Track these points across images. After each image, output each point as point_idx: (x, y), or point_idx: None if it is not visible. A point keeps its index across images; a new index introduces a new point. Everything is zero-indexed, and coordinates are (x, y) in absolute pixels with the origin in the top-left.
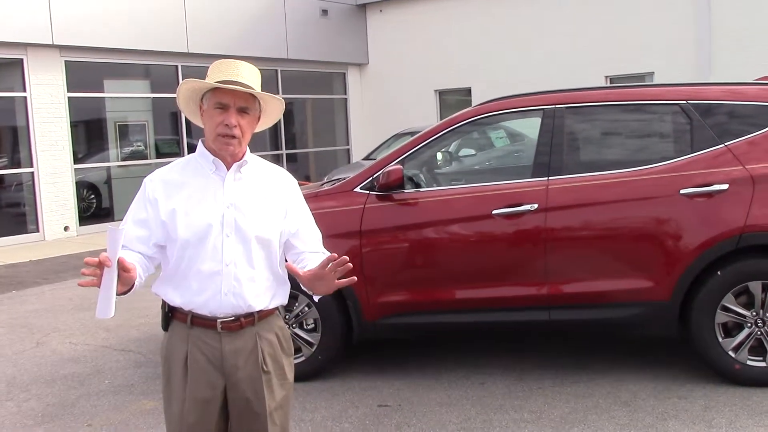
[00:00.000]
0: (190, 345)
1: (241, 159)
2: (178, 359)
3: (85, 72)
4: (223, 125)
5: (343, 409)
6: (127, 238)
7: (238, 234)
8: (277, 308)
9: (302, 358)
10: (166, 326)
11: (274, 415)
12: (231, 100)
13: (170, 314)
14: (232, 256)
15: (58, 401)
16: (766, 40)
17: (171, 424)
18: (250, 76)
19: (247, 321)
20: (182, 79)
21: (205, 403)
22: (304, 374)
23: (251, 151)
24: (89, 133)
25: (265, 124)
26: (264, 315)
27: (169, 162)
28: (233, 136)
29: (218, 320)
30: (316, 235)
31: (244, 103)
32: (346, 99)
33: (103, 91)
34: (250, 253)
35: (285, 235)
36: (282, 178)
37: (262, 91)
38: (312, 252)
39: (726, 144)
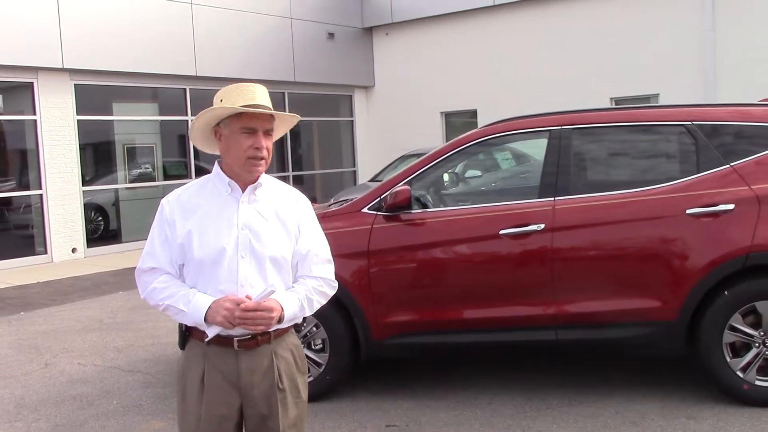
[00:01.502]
0: (207, 363)
1: (256, 180)
2: (194, 377)
3: (94, 95)
4: (254, 149)
5: (351, 430)
6: (155, 260)
7: (253, 255)
8: (292, 326)
9: (310, 379)
10: (183, 344)
11: (286, 430)
12: (258, 124)
13: (187, 333)
14: (246, 276)
15: (66, 422)
16: None
17: None
18: (266, 98)
19: (263, 339)
20: (190, 102)
21: (222, 420)
22: (312, 394)
23: None
24: (97, 156)
25: (275, 136)
26: (280, 333)
27: (176, 184)
28: (262, 158)
29: (235, 339)
30: (321, 259)
31: (269, 125)
32: (352, 121)
33: (111, 114)
34: (264, 273)
35: (297, 255)
36: (295, 199)
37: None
38: (306, 276)
39: (731, 164)
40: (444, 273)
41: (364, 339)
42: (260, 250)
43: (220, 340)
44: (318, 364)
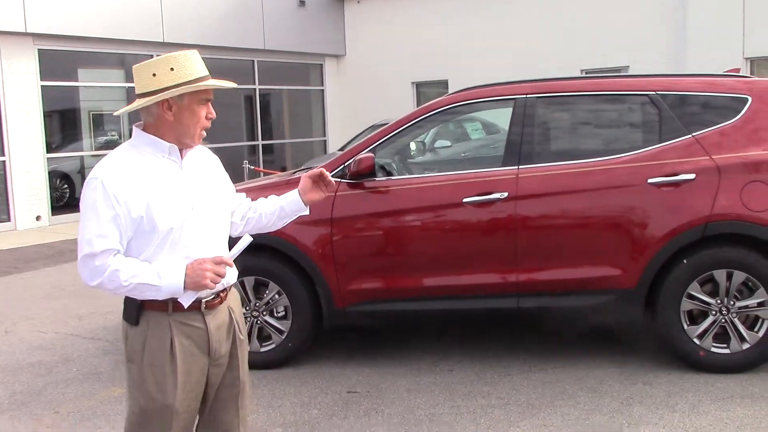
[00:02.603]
0: (175, 332)
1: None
2: (160, 349)
3: (59, 61)
4: (207, 119)
5: (313, 396)
6: (107, 240)
7: (208, 216)
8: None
9: (272, 346)
10: (136, 320)
11: (247, 385)
12: (211, 95)
13: (141, 306)
14: (207, 238)
15: (25, 389)
16: (738, 35)
17: (150, 418)
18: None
19: (223, 296)
20: None
21: (194, 389)
22: (274, 361)
23: (230, 141)
24: (63, 123)
25: None
26: (231, 287)
27: None
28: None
29: (203, 300)
30: (241, 197)
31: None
32: (323, 90)
33: (77, 80)
34: (219, 231)
35: (233, 207)
36: (212, 157)
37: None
38: (248, 200)
39: (694, 134)
40: (407, 241)
41: (326, 307)
42: (214, 209)
43: (189, 305)
44: (280, 332)
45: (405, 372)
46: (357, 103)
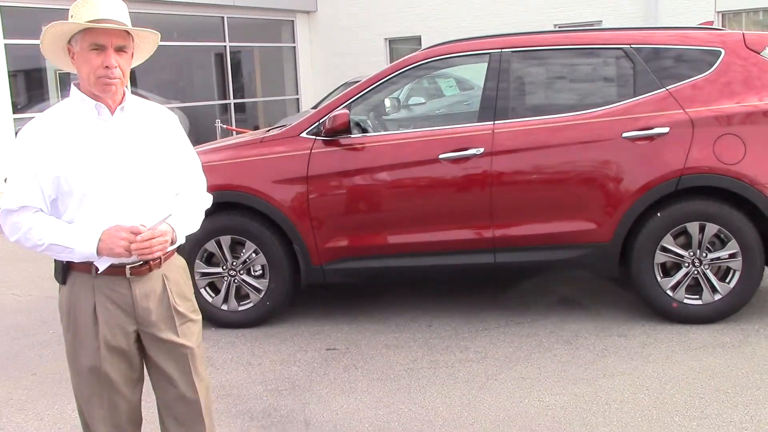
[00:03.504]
0: (98, 295)
1: (122, 101)
2: (84, 311)
3: (23, 18)
4: (103, 67)
5: (292, 353)
6: (25, 197)
7: (135, 179)
8: (177, 248)
9: (250, 305)
10: (64, 279)
11: (195, 351)
12: (107, 40)
13: (68, 266)
14: (132, 202)
15: (1, 351)
16: None
17: (81, 380)
18: (119, 12)
19: (155, 264)
20: None
21: (122, 354)
22: (252, 320)
23: (201, 100)
24: (29, 83)
25: (138, 60)
26: (168, 255)
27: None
28: (114, 77)
29: (127, 266)
30: (193, 177)
31: (121, 41)
32: (294, 47)
33: (39, 38)
34: (148, 196)
35: (174, 172)
36: (164, 117)
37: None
38: (185, 192)
39: (668, 88)
40: (383, 198)
41: (303, 265)
42: (142, 173)
43: (112, 270)
44: (258, 290)
45: (383, 328)
46: (329, 61)
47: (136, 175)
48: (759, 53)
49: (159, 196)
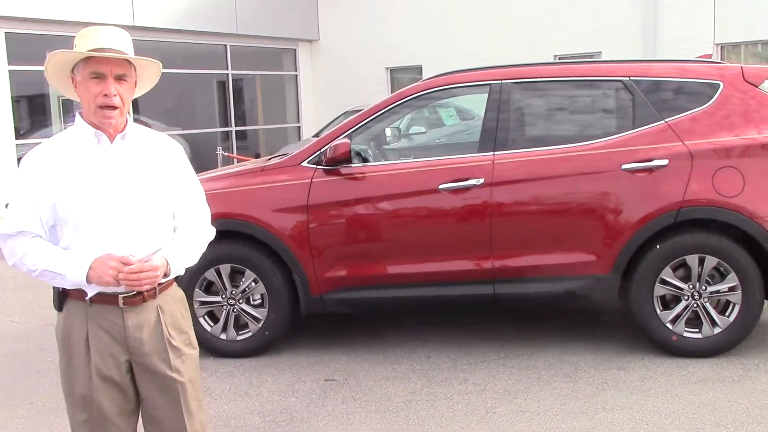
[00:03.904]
0: (91, 323)
1: (123, 129)
2: (78, 339)
3: (28, 44)
4: (102, 96)
5: (290, 384)
6: (23, 222)
7: (130, 207)
8: (175, 279)
9: (249, 334)
10: (60, 306)
11: (187, 386)
12: (107, 69)
13: (64, 293)
14: (126, 231)
15: None
16: (709, 21)
17: (75, 409)
18: (121, 41)
19: (149, 295)
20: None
21: (114, 384)
22: (251, 350)
23: (203, 127)
24: (32, 108)
25: (142, 89)
26: (164, 287)
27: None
28: (114, 107)
29: (120, 296)
30: (196, 209)
31: (121, 70)
32: (296, 75)
33: (44, 65)
34: (145, 226)
35: (175, 205)
36: (168, 147)
37: (136, 55)
38: (186, 225)
39: (667, 120)
40: (383, 227)
41: (303, 294)
42: (137, 202)
43: (104, 298)
44: (257, 320)
45: (382, 359)
46: (331, 89)
47: (130, 203)
48: (757, 86)
49: (154, 226)
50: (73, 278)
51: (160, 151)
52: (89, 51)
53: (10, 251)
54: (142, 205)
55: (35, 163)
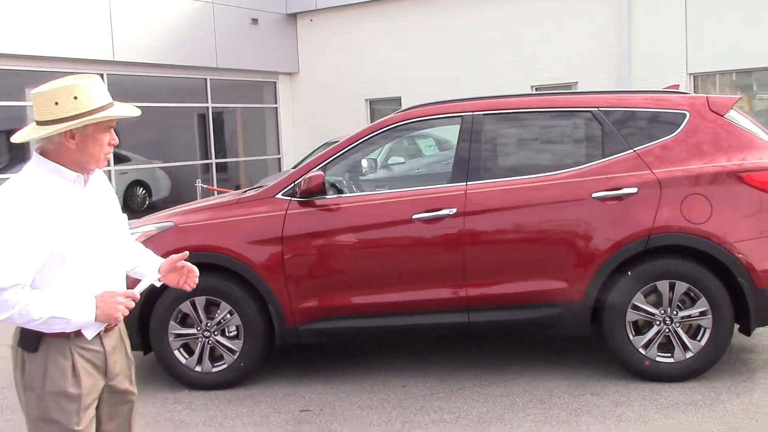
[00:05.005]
0: (76, 356)
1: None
2: (62, 375)
3: (6, 80)
4: (110, 146)
5: (265, 416)
6: (20, 274)
7: (111, 246)
8: None
9: (224, 366)
10: (35, 347)
11: (135, 402)
12: (114, 122)
13: (41, 333)
14: (109, 264)
15: None
16: (680, 51)
17: None
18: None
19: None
20: (108, 87)
21: (93, 408)
22: (226, 382)
23: (183, 160)
24: (11, 143)
25: None
26: None
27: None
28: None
29: (104, 325)
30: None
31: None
32: (276, 108)
33: (25, 100)
34: (118, 257)
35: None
36: (107, 182)
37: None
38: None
39: (635, 149)
40: (358, 258)
41: (278, 325)
42: (115, 238)
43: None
44: (232, 351)
45: (358, 389)
46: (311, 121)
47: (111, 240)
48: (722, 115)
49: (122, 257)
50: (80, 320)
51: (107, 188)
52: (110, 114)
53: (5, 305)
54: (116, 241)
55: (24, 210)
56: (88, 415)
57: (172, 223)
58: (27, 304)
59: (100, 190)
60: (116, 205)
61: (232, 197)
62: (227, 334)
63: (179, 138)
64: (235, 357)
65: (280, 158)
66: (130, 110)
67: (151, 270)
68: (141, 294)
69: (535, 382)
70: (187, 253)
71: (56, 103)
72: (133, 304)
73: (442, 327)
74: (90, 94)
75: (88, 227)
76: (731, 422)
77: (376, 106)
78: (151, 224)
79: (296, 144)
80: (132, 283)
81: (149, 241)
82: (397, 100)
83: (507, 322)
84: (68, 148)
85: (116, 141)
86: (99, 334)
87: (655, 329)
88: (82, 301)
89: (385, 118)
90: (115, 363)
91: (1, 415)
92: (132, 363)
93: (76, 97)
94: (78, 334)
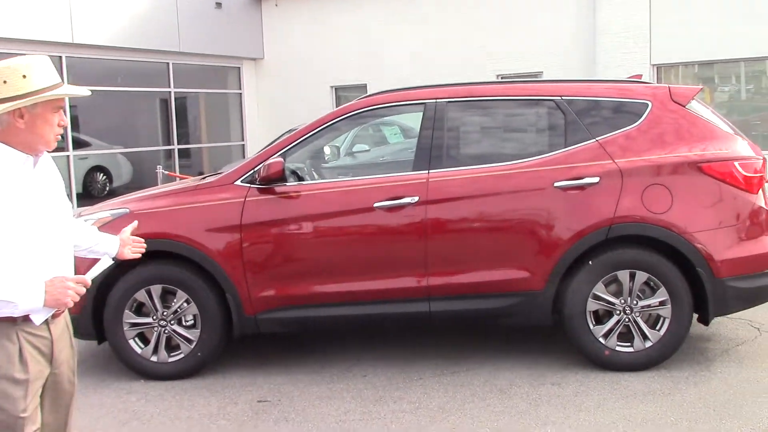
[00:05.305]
0: (23, 342)
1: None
2: (9, 361)
3: None
4: (60, 126)
5: (222, 406)
6: None
7: (60, 228)
8: None
9: (181, 356)
10: None
11: (75, 393)
12: (63, 102)
13: None
14: (57, 247)
15: None
16: (644, 42)
17: (16, 429)
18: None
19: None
20: (66, 70)
21: (38, 394)
22: (182, 372)
23: (145, 146)
24: None
25: None
26: None
27: (54, 157)
28: None
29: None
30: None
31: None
32: (240, 94)
33: None
34: (67, 240)
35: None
36: (53, 164)
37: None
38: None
39: (598, 139)
40: (318, 246)
41: (236, 314)
42: (64, 220)
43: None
44: (189, 341)
45: (317, 379)
46: (276, 107)
47: (59, 222)
48: (684, 106)
49: (71, 240)
50: (27, 305)
51: (53, 170)
52: (60, 92)
53: None
54: (65, 223)
55: None
56: (33, 403)
57: (128, 210)
58: None
59: (48, 173)
60: (62, 188)
61: (190, 184)
62: (184, 324)
63: (141, 123)
64: (192, 346)
65: (244, 145)
66: (80, 90)
67: (110, 247)
68: (93, 280)
69: (496, 372)
70: (136, 222)
71: (4, 82)
72: (83, 290)
73: (404, 316)
74: (39, 73)
75: (36, 209)
76: (688, 411)
77: (341, 93)
78: (106, 210)
79: (261, 130)
80: (89, 264)
81: (103, 228)
82: (363, 87)
83: (468, 312)
84: (17, 128)
85: (66, 122)
86: (47, 320)
87: (615, 319)
88: (31, 285)
89: (348, 104)
90: (61, 351)
91: None
92: (75, 353)
93: (24, 76)
94: (26, 318)
